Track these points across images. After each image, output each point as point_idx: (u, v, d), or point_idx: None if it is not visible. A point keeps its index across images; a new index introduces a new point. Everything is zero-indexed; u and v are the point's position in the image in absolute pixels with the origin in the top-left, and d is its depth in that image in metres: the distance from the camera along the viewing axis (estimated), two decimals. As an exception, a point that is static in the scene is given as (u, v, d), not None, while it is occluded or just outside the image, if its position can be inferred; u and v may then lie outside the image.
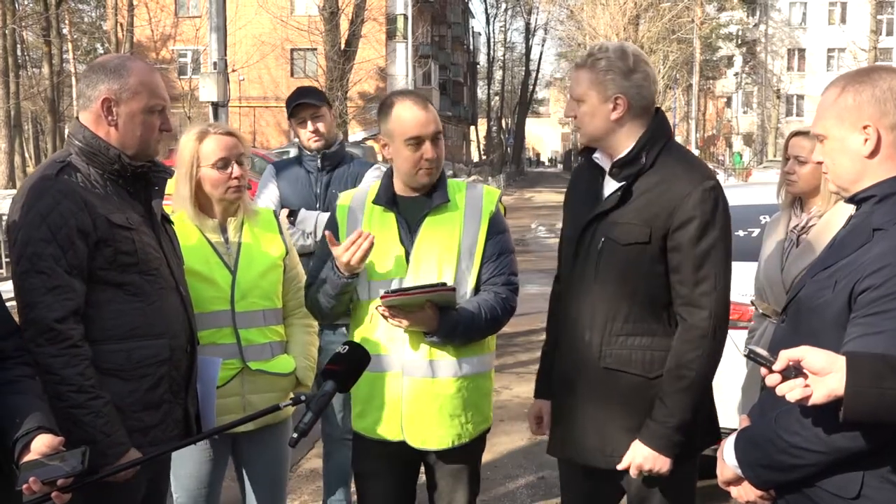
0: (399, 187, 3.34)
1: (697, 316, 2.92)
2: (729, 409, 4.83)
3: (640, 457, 2.95)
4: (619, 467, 2.99)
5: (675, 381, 2.92)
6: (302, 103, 4.76)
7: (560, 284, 3.32)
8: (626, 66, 2.97)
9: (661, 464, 2.94)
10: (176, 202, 3.54)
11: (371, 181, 4.35)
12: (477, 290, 3.30)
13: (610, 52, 3.00)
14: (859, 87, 2.22)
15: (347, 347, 2.60)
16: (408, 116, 3.23)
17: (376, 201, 3.33)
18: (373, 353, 2.73)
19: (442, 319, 3.14)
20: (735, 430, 2.40)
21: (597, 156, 3.12)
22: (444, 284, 3.16)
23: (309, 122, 4.74)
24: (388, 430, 3.29)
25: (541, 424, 3.38)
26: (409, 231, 3.28)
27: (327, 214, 3.89)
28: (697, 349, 2.92)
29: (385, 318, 3.14)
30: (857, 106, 2.20)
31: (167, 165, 3.17)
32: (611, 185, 3.05)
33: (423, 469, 3.47)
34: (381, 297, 3.10)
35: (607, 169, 3.07)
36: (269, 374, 3.54)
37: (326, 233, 3.24)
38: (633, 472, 2.98)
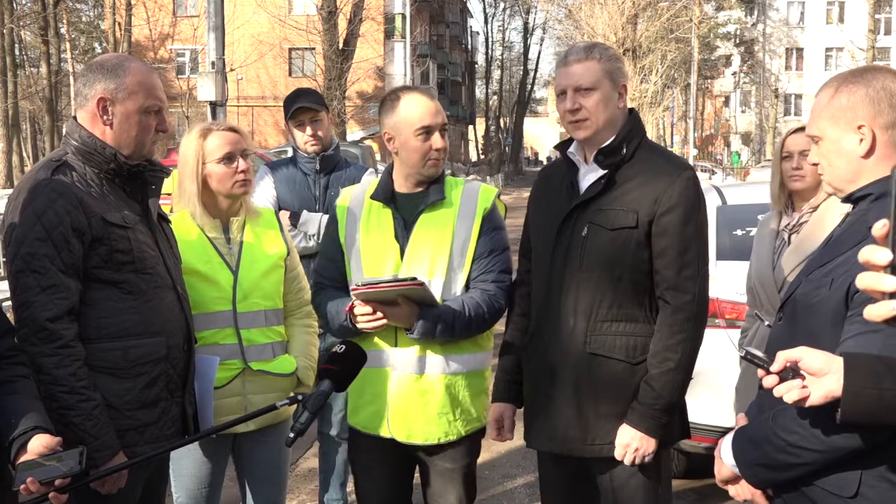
0: (399, 183, 3.36)
1: (681, 299, 3.00)
2: (726, 407, 4.84)
3: (628, 438, 3.01)
4: (617, 457, 3.02)
5: (661, 363, 2.99)
6: (302, 107, 4.74)
7: (522, 287, 3.35)
8: (620, 57, 3.12)
9: (648, 445, 3.01)
10: (181, 201, 3.53)
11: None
12: (468, 286, 3.31)
13: (607, 45, 3.16)
14: (853, 87, 2.22)
15: (344, 347, 2.61)
16: (418, 107, 3.27)
17: (374, 197, 3.35)
18: (364, 348, 2.75)
19: (421, 316, 3.16)
20: (732, 428, 2.41)
21: (571, 151, 3.18)
22: (413, 279, 3.15)
23: (308, 126, 4.72)
24: (378, 425, 3.32)
25: (501, 430, 3.38)
26: (404, 228, 3.30)
27: None
28: (682, 332, 2.99)
29: (360, 316, 3.17)
30: (852, 106, 2.20)
31: (164, 164, 3.16)
32: (589, 178, 3.11)
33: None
34: (353, 290, 3.13)
35: (581, 165, 3.14)
36: (270, 374, 3.53)
37: (353, 297, 3.22)
38: (619, 454, 3.02)
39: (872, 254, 1.42)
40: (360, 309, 3.16)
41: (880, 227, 1.40)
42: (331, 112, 4.91)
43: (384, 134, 3.35)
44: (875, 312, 1.43)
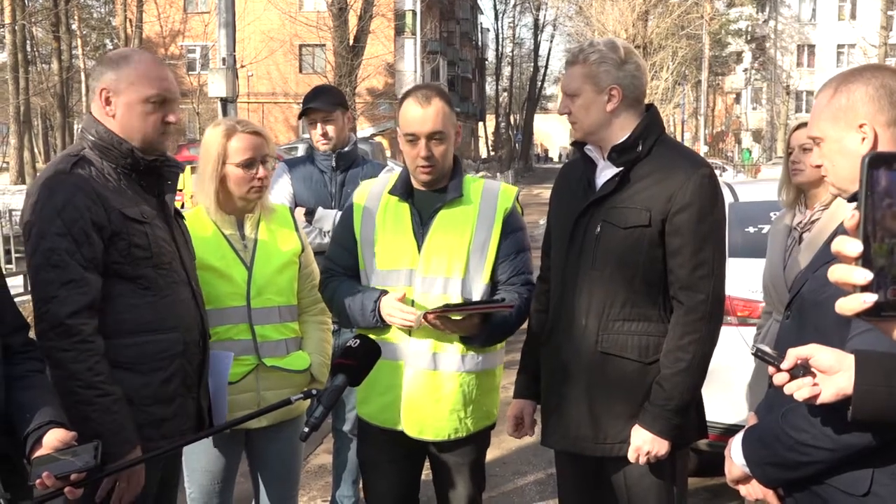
0: (415, 180, 3.37)
1: (695, 299, 2.96)
2: (738, 406, 4.83)
3: (640, 440, 2.99)
4: (630, 459, 3.01)
5: (672, 363, 2.96)
6: (312, 108, 4.76)
7: (543, 283, 3.35)
8: (617, 57, 3.02)
9: (660, 447, 2.98)
10: (199, 194, 3.55)
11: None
12: (492, 287, 3.32)
13: (601, 46, 3.06)
14: (852, 86, 2.20)
15: (359, 342, 2.61)
16: (407, 112, 3.26)
17: (392, 191, 3.36)
18: (378, 340, 2.76)
19: (483, 326, 3.20)
20: (742, 426, 2.40)
21: (588, 148, 3.15)
22: (502, 300, 3.21)
23: (319, 125, 4.75)
24: (389, 418, 3.33)
25: (520, 426, 3.41)
26: (421, 223, 3.30)
27: None
28: (695, 332, 2.96)
29: (434, 326, 3.15)
30: (852, 105, 2.18)
31: (178, 160, 3.17)
32: (604, 175, 3.09)
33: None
34: (441, 310, 3.10)
35: (599, 162, 3.11)
36: (283, 370, 3.54)
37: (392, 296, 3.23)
38: (632, 457, 3.00)
39: (843, 245, 1.39)
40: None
41: (850, 218, 1.38)
42: (351, 112, 4.92)
43: (396, 131, 3.37)
44: (846, 306, 1.40)
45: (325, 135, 4.74)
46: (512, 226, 3.34)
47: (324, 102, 4.79)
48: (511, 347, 3.57)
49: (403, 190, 3.35)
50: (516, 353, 3.52)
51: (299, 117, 4.84)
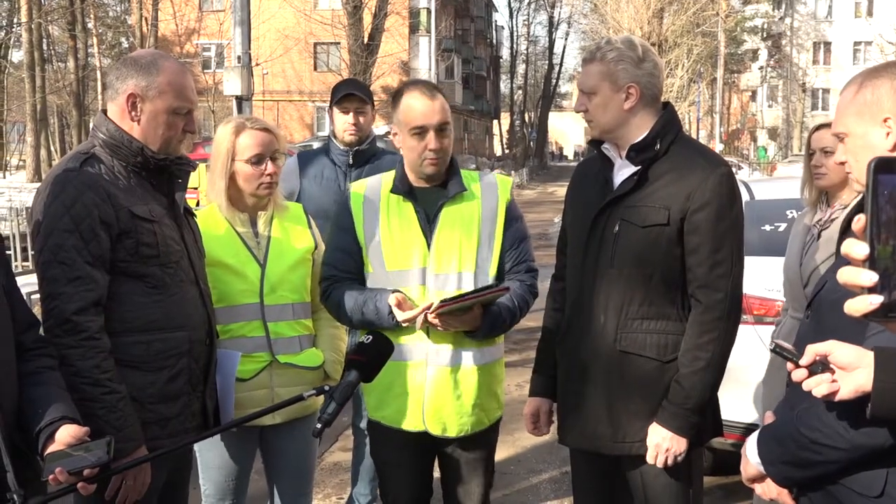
0: (413, 178, 3.36)
1: (713, 298, 2.96)
2: (753, 404, 4.81)
3: (659, 438, 2.98)
4: (648, 458, 3.00)
5: (691, 362, 2.96)
6: (352, 94, 4.78)
7: (558, 282, 3.36)
8: (635, 55, 3.01)
9: (679, 445, 2.98)
10: (211, 192, 3.55)
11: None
12: (499, 277, 3.32)
13: (619, 44, 3.05)
14: (877, 81, 2.18)
15: (371, 337, 2.60)
16: (414, 106, 3.26)
17: (394, 190, 3.34)
18: (395, 342, 2.74)
19: (485, 317, 3.19)
20: (759, 425, 2.38)
21: (606, 147, 3.14)
22: (496, 285, 3.20)
23: (352, 113, 4.76)
24: (409, 419, 3.31)
25: (537, 423, 3.40)
26: (428, 221, 3.29)
27: None
28: (713, 331, 2.96)
29: (435, 326, 3.15)
30: (877, 100, 2.16)
31: (190, 158, 3.17)
32: (622, 174, 3.08)
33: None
34: (438, 308, 3.10)
35: (616, 160, 3.10)
36: (297, 367, 3.53)
37: (394, 297, 3.18)
38: (650, 456, 2.99)
39: (851, 247, 1.42)
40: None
41: (857, 221, 1.41)
42: (375, 110, 4.93)
43: (391, 128, 3.36)
44: (854, 307, 1.44)
45: (356, 124, 4.75)
46: (512, 215, 3.38)
47: (362, 91, 4.82)
48: (525, 346, 3.56)
49: (405, 189, 3.33)
50: (530, 352, 3.51)
51: (332, 103, 4.82)
